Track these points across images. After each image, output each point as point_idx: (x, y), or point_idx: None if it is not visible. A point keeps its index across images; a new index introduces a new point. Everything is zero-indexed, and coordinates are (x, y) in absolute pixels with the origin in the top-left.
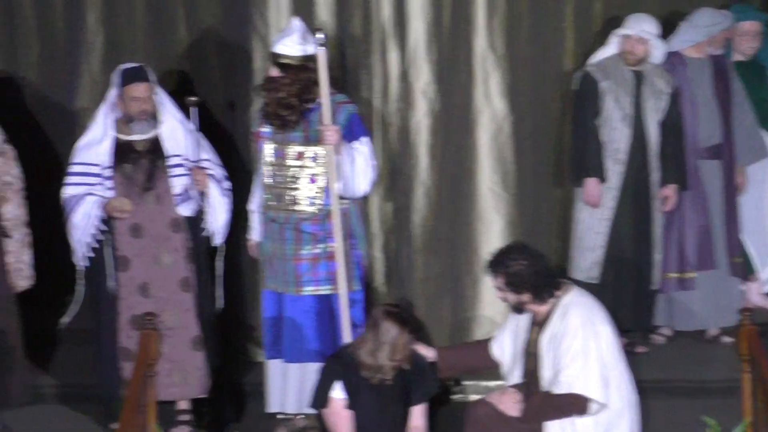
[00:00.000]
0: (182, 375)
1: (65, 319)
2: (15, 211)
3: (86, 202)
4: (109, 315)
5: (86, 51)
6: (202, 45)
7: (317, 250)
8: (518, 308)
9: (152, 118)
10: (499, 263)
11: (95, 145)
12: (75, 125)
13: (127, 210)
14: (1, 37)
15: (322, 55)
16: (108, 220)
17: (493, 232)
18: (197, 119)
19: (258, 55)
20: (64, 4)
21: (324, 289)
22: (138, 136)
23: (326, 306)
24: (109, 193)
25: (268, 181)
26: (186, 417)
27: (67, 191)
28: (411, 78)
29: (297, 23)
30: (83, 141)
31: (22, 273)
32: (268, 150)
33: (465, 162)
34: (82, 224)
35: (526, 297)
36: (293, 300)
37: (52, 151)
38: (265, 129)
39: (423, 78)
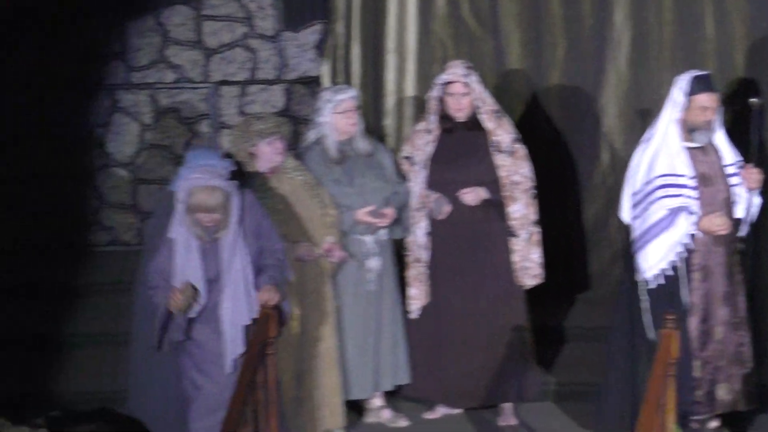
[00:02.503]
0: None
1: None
2: (522, 210)
3: (680, 221)
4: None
5: (612, 48)
6: (727, 42)
7: None
8: None
9: (710, 127)
10: None
11: (673, 153)
12: (598, 124)
13: (724, 231)
14: (528, 34)
15: None
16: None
17: None
18: (760, 120)
19: None
20: (593, 1)
21: None
22: (696, 144)
23: None
24: (695, 205)
25: None
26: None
27: (664, 205)
28: None
29: None
30: (652, 150)
31: (529, 271)
32: None
33: None
34: (671, 243)
35: None
36: None
37: (567, 148)
38: None
39: None
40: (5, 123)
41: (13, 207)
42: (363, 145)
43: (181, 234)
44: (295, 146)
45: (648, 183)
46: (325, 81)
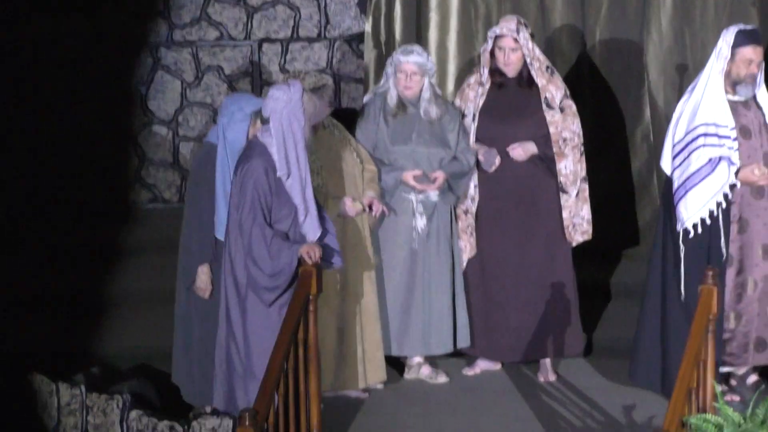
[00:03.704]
0: None
1: None
2: (572, 166)
3: (721, 169)
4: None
5: (655, 6)
6: None
7: None
8: None
9: (753, 81)
10: None
11: (716, 104)
12: (640, 82)
13: (764, 182)
14: None
15: None
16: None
17: None
18: None
19: None
20: None
21: None
22: (739, 98)
23: None
24: (735, 156)
25: None
26: None
27: (705, 154)
28: None
29: None
30: (695, 101)
31: (579, 228)
32: None
33: None
34: (712, 191)
35: None
36: None
37: (610, 106)
38: None
39: None
40: (48, 82)
41: (55, 166)
42: (429, 109)
43: (296, 165)
44: (335, 103)
45: (689, 132)
46: (368, 39)
